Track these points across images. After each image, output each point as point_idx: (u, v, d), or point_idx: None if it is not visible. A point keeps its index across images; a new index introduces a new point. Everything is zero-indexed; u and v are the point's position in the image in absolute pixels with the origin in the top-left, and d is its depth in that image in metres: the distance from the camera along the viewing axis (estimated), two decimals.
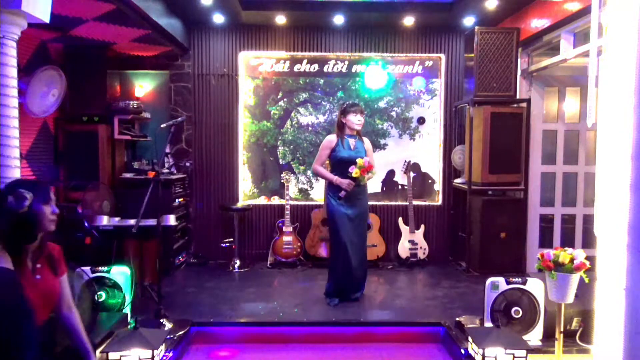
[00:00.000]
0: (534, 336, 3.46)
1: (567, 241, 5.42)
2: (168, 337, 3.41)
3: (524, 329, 3.46)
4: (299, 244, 5.65)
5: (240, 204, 5.93)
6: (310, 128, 6.01)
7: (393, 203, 6.05)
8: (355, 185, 4.20)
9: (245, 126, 6.01)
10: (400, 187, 6.08)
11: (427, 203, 6.07)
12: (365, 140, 4.43)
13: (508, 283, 3.50)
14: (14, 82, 2.90)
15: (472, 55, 5.41)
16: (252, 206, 5.94)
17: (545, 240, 5.61)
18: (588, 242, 5.24)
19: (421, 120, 6.04)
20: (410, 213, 5.74)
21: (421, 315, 4.14)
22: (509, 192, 5.54)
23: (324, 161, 4.39)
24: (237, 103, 5.96)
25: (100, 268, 3.66)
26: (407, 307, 4.36)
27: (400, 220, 5.84)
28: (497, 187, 5.39)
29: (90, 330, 2.97)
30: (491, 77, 5.29)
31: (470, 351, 3.23)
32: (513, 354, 3.03)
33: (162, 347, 3.17)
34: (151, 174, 5.16)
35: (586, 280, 3.03)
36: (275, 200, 6.02)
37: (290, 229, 5.61)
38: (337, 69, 5.98)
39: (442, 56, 6.00)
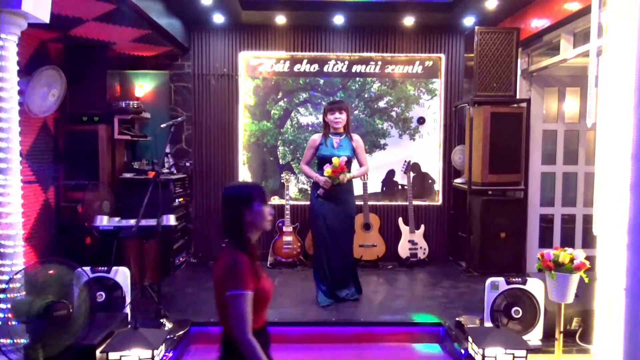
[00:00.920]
0: (534, 336, 3.46)
1: (567, 241, 5.42)
2: (168, 337, 3.41)
3: (524, 329, 3.46)
4: (299, 244, 5.65)
5: None
6: (310, 128, 6.01)
7: (393, 203, 6.05)
8: (334, 185, 4.16)
9: (245, 126, 6.01)
10: (400, 187, 6.08)
11: (427, 203, 6.07)
12: (356, 137, 4.39)
13: (508, 283, 3.50)
14: (14, 82, 2.90)
15: (472, 55, 5.41)
16: None
17: (545, 240, 5.61)
18: (588, 242, 5.24)
19: (421, 120, 6.04)
20: (410, 213, 5.74)
21: (421, 315, 4.14)
22: (509, 192, 5.54)
23: (309, 160, 4.42)
24: (237, 103, 5.96)
25: (100, 268, 3.66)
26: (407, 307, 4.36)
27: (400, 220, 5.84)
28: (497, 187, 5.39)
29: (90, 331, 2.97)
30: (491, 77, 5.29)
31: (470, 351, 3.23)
32: (513, 354, 3.04)
33: (162, 347, 3.17)
34: (151, 174, 5.16)
35: (586, 280, 3.03)
36: (275, 200, 6.02)
37: (290, 229, 5.61)
38: (337, 69, 5.98)
39: (442, 56, 6.00)
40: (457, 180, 5.88)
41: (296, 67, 5.97)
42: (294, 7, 5.36)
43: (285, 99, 6.00)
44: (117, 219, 4.21)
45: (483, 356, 3.05)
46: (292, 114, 6.02)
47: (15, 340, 2.68)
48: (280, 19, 5.63)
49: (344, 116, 4.25)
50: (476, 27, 5.30)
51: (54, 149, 4.98)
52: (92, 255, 4.65)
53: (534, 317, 3.47)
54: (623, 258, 2.16)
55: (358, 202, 5.68)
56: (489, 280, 3.52)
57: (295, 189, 6.01)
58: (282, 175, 5.76)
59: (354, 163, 4.43)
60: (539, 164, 5.59)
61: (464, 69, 5.99)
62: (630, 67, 2.12)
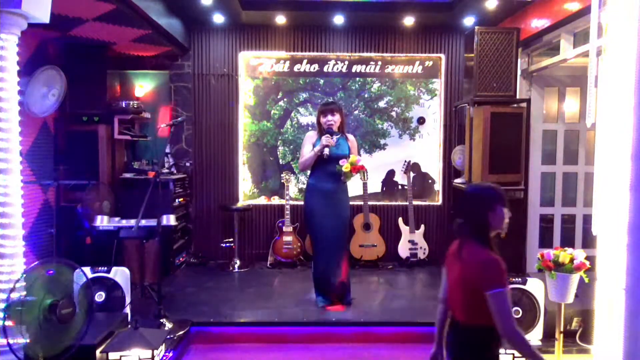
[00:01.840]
0: (534, 336, 3.46)
1: (567, 241, 5.42)
2: (168, 337, 3.41)
3: (524, 329, 3.46)
4: (299, 244, 5.65)
5: (241, 204, 5.93)
6: (310, 128, 6.00)
7: (393, 203, 6.05)
8: (341, 177, 4.13)
9: (245, 126, 6.01)
10: (400, 187, 6.08)
11: (427, 203, 6.07)
12: (351, 138, 4.37)
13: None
14: (14, 82, 2.90)
15: (472, 55, 5.40)
16: (252, 206, 5.94)
17: (545, 240, 5.61)
18: (588, 242, 5.24)
19: (421, 120, 6.04)
20: (410, 213, 5.74)
21: (421, 315, 4.14)
22: (508, 192, 5.52)
23: None
24: (237, 103, 5.96)
25: (100, 268, 3.66)
26: (407, 307, 4.36)
27: (400, 220, 5.84)
28: None
29: (90, 330, 2.97)
30: (491, 77, 5.28)
31: None
32: (513, 354, 3.03)
33: (162, 347, 3.17)
34: (151, 174, 5.16)
35: (586, 280, 3.03)
36: (275, 200, 6.02)
37: (290, 229, 5.61)
38: (337, 69, 5.98)
39: (442, 56, 6.00)
40: (457, 180, 5.88)
41: (296, 67, 5.97)
42: (294, 7, 5.36)
43: (285, 99, 6.01)
44: (117, 219, 4.21)
45: None
46: (292, 114, 6.02)
47: (15, 340, 2.68)
48: (280, 19, 5.63)
49: (336, 118, 4.20)
50: (476, 27, 5.29)
51: (54, 149, 4.98)
52: (92, 255, 4.66)
53: (534, 317, 3.47)
54: (623, 258, 2.16)
55: (358, 202, 5.72)
56: None
57: (295, 189, 6.01)
58: (282, 175, 5.76)
59: None
60: (539, 164, 5.59)
61: (464, 69, 5.99)
62: (630, 67, 2.12)
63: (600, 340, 2.46)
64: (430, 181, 6.11)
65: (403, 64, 6.00)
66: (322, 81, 6.00)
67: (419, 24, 5.75)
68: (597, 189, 2.63)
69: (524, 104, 5.38)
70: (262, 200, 6.03)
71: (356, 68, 5.99)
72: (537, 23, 4.97)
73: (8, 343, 2.48)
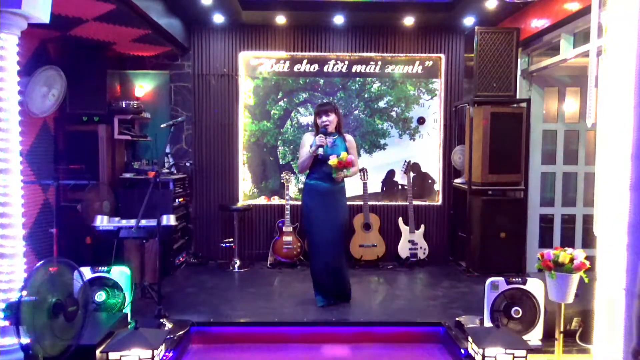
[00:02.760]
0: (534, 336, 3.46)
1: (567, 241, 5.42)
2: (168, 337, 3.41)
3: (524, 329, 3.46)
4: (299, 244, 5.65)
5: (240, 204, 5.93)
6: (310, 128, 6.00)
7: (393, 203, 6.05)
8: (331, 176, 4.15)
9: (245, 126, 6.01)
10: (400, 187, 6.08)
11: (427, 203, 6.07)
12: (349, 138, 4.36)
13: (508, 283, 3.50)
14: (14, 82, 2.90)
15: (472, 55, 5.41)
16: (252, 206, 5.94)
17: (545, 240, 5.61)
18: (588, 242, 5.24)
19: (421, 120, 6.04)
20: (410, 213, 5.74)
21: (421, 315, 4.14)
22: (509, 192, 5.54)
23: None
24: (237, 103, 5.96)
25: (100, 268, 3.66)
26: (407, 307, 4.36)
27: (400, 220, 5.84)
28: (497, 187, 5.39)
29: (90, 331, 2.97)
30: (491, 77, 5.29)
31: (470, 351, 3.23)
32: (513, 354, 3.03)
33: (162, 347, 3.17)
34: (151, 174, 5.16)
35: (586, 280, 3.03)
36: (275, 200, 6.02)
37: (290, 229, 5.61)
38: (337, 69, 5.98)
39: (442, 56, 6.00)
40: (457, 180, 5.88)
41: (296, 67, 5.97)
42: (294, 7, 5.36)
43: (285, 99, 6.01)
44: (117, 219, 4.21)
45: (483, 356, 3.04)
46: (292, 114, 6.02)
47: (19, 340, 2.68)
48: (280, 19, 5.63)
49: (331, 118, 4.21)
50: (476, 27, 5.30)
51: (54, 149, 4.98)
52: (92, 255, 4.66)
53: (534, 317, 3.47)
54: (623, 258, 2.16)
55: (358, 202, 5.72)
56: (489, 281, 3.52)
57: (295, 189, 6.01)
58: (282, 175, 5.76)
59: None
60: (539, 164, 5.60)
61: (464, 69, 5.99)
62: (630, 67, 2.12)
63: (600, 340, 2.46)
64: (430, 181, 6.11)
65: (403, 64, 6.00)
66: (322, 81, 6.00)
67: (419, 24, 5.75)
68: (598, 189, 2.63)
69: (524, 104, 5.39)
70: (262, 200, 6.04)
71: (356, 68, 5.99)
72: (537, 23, 4.97)
73: (20, 343, 2.49)
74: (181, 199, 5.64)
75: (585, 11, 4.01)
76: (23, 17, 2.85)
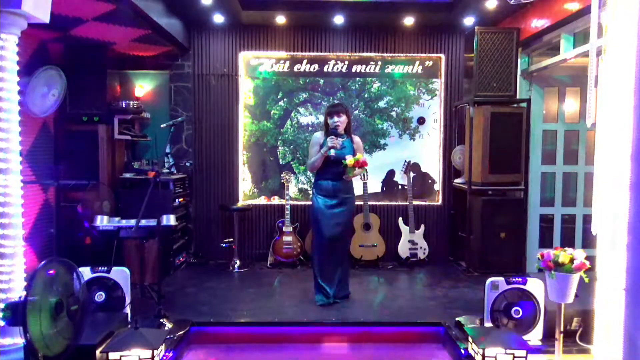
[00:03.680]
0: (534, 336, 3.46)
1: (567, 241, 5.42)
2: (168, 337, 3.41)
3: (524, 329, 3.46)
4: (299, 244, 5.65)
5: (240, 204, 5.93)
6: (310, 128, 6.01)
7: (393, 203, 6.05)
8: (342, 177, 4.24)
9: (245, 126, 6.01)
10: (400, 187, 6.08)
11: (427, 203, 6.07)
12: (356, 139, 4.42)
13: (508, 283, 3.50)
14: (14, 82, 2.90)
15: (472, 55, 5.41)
16: (252, 206, 5.94)
17: (545, 240, 5.61)
18: (588, 242, 5.24)
19: (421, 120, 6.04)
20: (410, 213, 5.74)
21: (421, 315, 4.14)
22: (509, 192, 5.54)
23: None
24: (237, 103, 5.96)
25: (100, 268, 3.66)
26: (407, 307, 4.36)
27: (400, 220, 5.84)
28: (497, 187, 5.39)
29: (90, 331, 2.98)
30: (491, 77, 5.29)
31: (470, 351, 3.23)
32: (513, 354, 3.03)
33: (162, 347, 3.17)
34: (151, 174, 5.16)
35: (586, 280, 3.03)
36: (275, 200, 6.02)
37: (290, 229, 5.61)
38: (337, 69, 5.98)
39: (442, 56, 6.00)
40: (457, 180, 5.88)
41: (296, 67, 5.97)
42: (294, 7, 5.36)
43: (285, 99, 6.00)
44: (117, 219, 4.21)
45: (483, 356, 3.05)
46: (292, 114, 6.02)
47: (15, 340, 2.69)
48: (280, 19, 5.63)
49: (342, 119, 4.26)
50: (476, 27, 5.30)
51: (54, 149, 4.98)
52: (92, 255, 4.65)
53: (534, 317, 3.47)
54: (623, 258, 2.16)
55: (358, 202, 5.70)
56: (489, 280, 3.52)
57: (295, 189, 6.01)
58: (282, 175, 5.76)
59: None
60: (539, 164, 5.59)
61: (464, 69, 5.99)
62: (630, 67, 2.12)
63: (600, 340, 2.46)
64: (430, 181, 6.11)
65: (403, 64, 6.00)
66: (322, 81, 6.00)
67: (419, 24, 5.75)
68: (597, 189, 2.63)
69: (524, 104, 5.39)
70: (262, 200, 6.04)
71: (356, 68, 5.99)
72: (537, 23, 4.97)
73: (25, 340, 2.49)
74: (181, 199, 5.64)
75: (585, 11, 4.01)
76: (23, 17, 2.86)
